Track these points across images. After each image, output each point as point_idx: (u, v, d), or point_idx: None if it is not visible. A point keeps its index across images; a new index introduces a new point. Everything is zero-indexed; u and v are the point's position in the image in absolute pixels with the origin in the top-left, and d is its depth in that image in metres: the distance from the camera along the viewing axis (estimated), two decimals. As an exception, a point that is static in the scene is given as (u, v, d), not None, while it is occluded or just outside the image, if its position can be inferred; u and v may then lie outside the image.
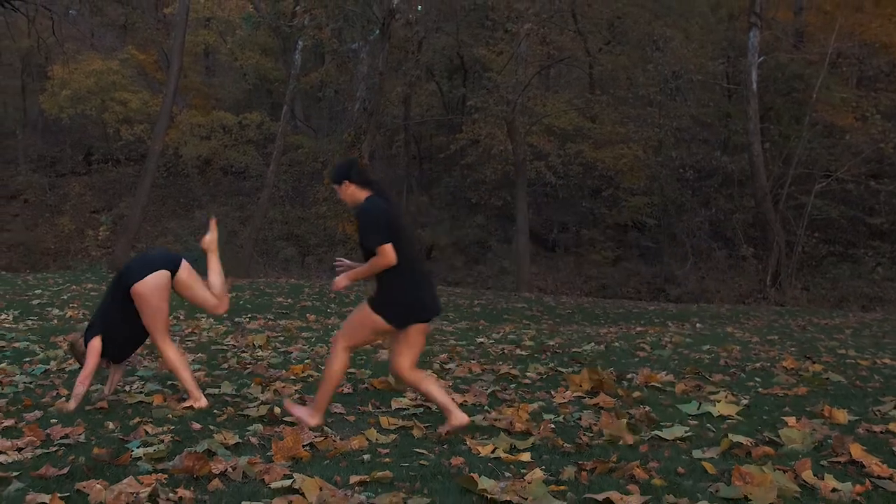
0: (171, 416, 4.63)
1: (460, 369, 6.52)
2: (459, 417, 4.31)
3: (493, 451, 3.91)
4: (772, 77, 23.34)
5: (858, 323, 13.10)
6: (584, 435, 4.31)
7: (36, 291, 12.87)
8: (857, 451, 3.73)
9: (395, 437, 4.25)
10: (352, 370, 6.36)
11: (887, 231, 21.96)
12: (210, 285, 5.11)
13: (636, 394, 5.45)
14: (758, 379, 6.18)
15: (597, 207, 24.83)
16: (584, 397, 5.36)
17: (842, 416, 4.66)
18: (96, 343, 4.80)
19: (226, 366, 6.57)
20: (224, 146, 27.13)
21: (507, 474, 3.52)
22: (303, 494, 3.13)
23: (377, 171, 26.41)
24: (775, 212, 20.69)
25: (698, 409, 4.89)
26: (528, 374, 6.34)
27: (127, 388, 5.49)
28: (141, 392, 5.32)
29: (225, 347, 7.46)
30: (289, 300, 13.44)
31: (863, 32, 21.88)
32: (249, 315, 11.00)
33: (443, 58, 27.28)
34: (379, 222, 4.20)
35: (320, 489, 3.17)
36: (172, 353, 4.89)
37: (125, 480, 3.18)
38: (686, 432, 4.29)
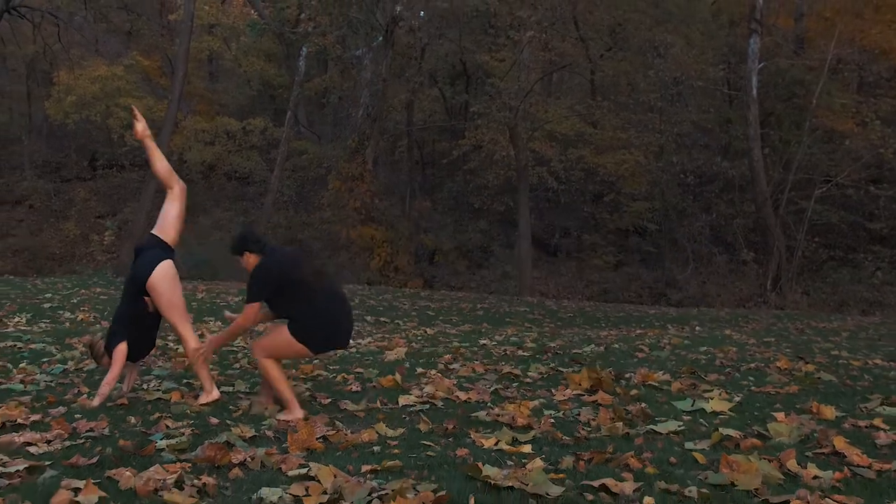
0: (189, 411, 4.86)
1: (464, 369, 6.74)
2: (297, 412, 4.73)
3: (496, 444, 4.12)
4: (772, 83, 23.55)
5: (856, 326, 13.30)
6: (583, 429, 4.52)
7: (46, 295, 13.11)
8: (840, 443, 3.94)
9: (403, 430, 4.47)
10: (359, 370, 6.58)
11: (887, 236, 22.12)
12: (156, 171, 5.43)
13: (633, 392, 5.66)
14: (751, 378, 6.38)
15: (598, 212, 25.02)
16: (584, 395, 5.58)
17: (829, 412, 4.87)
18: (122, 348, 5.04)
19: (237, 366, 6.79)
20: (228, 152, 27.39)
21: (509, 463, 3.74)
22: (318, 481, 3.35)
23: (380, 176, 26.66)
24: (776, 217, 20.90)
25: (692, 405, 5.10)
26: (529, 373, 6.56)
27: (144, 386, 5.72)
28: (158, 390, 5.55)
29: (235, 349, 7.67)
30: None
31: (863, 38, 22.08)
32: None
33: (445, 64, 27.54)
34: (261, 283, 4.72)
35: (334, 476, 3.38)
36: (194, 343, 5.13)
37: (152, 468, 3.40)
38: (679, 426, 4.50)
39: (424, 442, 4.19)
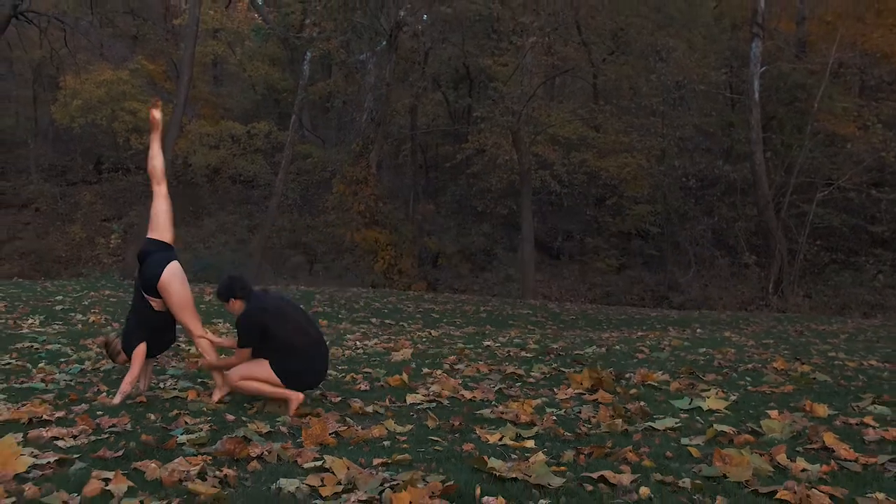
0: (205, 409, 5.07)
1: (469, 369, 6.93)
2: (295, 400, 5.03)
3: (500, 439, 4.32)
4: (774, 87, 23.69)
5: (855, 329, 13.43)
6: (584, 426, 4.71)
7: (57, 298, 13.31)
8: (829, 438, 4.13)
9: (412, 427, 4.67)
10: (367, 370, 6.78)
11: (888, 239, 22.23)
12: (153, 166, 5.68)
13: (633, 391, 5.85)
14: (748, 378, 6.56)
15: (601, 216, 25.18)
16: (585, 394, 5.77)
17: (822, 410, 5.05)
18: (142, 349, 5.25)
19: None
20: (233, 155, 27.56)
21: (513, 457, 3.93)
22: (333, 473, 3.54)
23: (384, 179, 26.85)
24: (777, 220, 21.05)
25: (690, 404, 5.29)
26: (532, 373, 6.75)
27: (161, 385, 5.92)
28: (174, 389, 5.75)
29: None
30: (301, 306, 13.80)
31: (864, 42, 22.23)
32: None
33: (449, 68, 27.73)
34: (249, 331, 5.05)
35: (348, 468, 3.58)
36: (206, 341, 5.33)
37: (176, 460, 3.61)
38: (676, 423, 4.70)
39: (432, 437, 4.39)
